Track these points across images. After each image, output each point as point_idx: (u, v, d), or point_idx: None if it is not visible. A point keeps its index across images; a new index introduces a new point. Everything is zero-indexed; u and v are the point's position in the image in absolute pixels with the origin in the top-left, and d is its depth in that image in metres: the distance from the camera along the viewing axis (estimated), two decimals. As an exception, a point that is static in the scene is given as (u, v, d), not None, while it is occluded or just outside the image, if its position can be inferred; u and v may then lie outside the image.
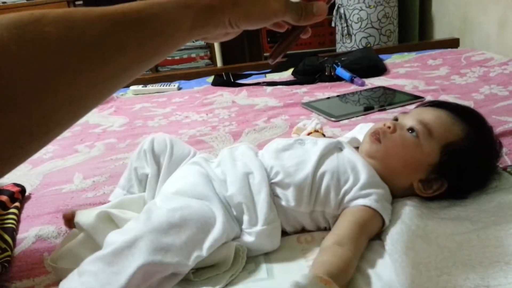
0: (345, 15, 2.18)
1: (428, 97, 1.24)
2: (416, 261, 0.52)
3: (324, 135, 0.94)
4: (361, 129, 0.91)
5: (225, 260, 0.57)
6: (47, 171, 1.04)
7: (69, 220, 0.67)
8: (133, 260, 0.50)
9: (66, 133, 1.32)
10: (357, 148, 0.73)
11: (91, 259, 0.52)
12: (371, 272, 0.55)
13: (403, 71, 1.57)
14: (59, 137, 1.34)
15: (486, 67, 1.45)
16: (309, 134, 0.93)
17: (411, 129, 0.67)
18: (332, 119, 1.15)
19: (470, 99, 1.19)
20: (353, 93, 1.38)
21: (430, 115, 0.69)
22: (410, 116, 0.70)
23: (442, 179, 0.65)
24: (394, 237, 0.58)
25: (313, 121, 0.99)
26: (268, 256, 0.61)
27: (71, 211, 0.69)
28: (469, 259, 0.51)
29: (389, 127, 0.68)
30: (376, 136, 0.69)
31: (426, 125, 0.66)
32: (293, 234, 0.65)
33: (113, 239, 0.53)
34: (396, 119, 0.72)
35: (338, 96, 1.36)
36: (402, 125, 0.69)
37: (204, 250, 0.55)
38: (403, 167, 0.66)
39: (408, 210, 0.62)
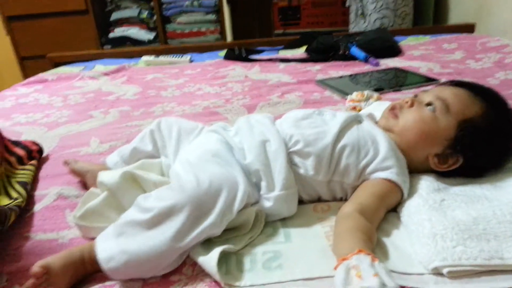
0: (360, -5, 2.15)
1: (443, 80, 1.24)
2: (432, 232, 0.53)
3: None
4: (378, 106, 0.91)
5: (245, 224, 0.59)
6: (63, 134, 1.05)
7: (72, 170, 0.76)
8: (172, 226, 0.52)
9: (80, 99, 1.33)
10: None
11: (129, 222, 0.54)
12: (387, 241, 0.57)
13: (418, 53, 1.56)
14: (72, 102, 1.38)
15: (501, 53, 1.44)
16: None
17: (429, 104, 0.68)
18: (346, 97, 1.15)
19: (485, 83, 1.18)
20: (364, 74, 1.38)
21: (449, 92, 0.69)
22: (429, 93, 0.71)
23: (458, 155, 0.66)
24: (411, 209, 0.60)
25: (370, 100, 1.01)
26: (285, 221, 0.63)
27: (73, 160, 0.78)
28: (484, 233, 0.53)
29: (406, 102, 0.71)
30: (394, 111, 0.71)
31: (444, 100, 0.67)
32: (309, 203, 0.67)
33: (150, 204, 0.54)
34: (415, 97, 0.73)
35: (350, 75, 1.36)
36: (421, 101, 0.70)
37: (234, 212, 0.57)
38: (419, 141, 0.67)
39: (425, 185, 0.64)
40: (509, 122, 0.68)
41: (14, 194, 0.72)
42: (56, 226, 0.66)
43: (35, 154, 0.90)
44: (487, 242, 0.52)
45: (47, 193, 0.76)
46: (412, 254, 0.54)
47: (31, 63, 2.66)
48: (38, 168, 0.87)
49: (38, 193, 0.77)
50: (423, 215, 0.57)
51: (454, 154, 0.66)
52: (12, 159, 0.85)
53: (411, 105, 0.70)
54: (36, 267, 0.51)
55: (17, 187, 0.75)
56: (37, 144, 0.92)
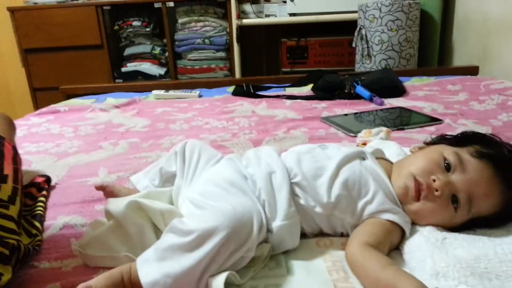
0: (366, 36, 2.21)
1: (447, 120, 1.26)
2: (434, 269, 0.53)
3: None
4: (378, 145, 0.92)
5: (257, 258, 0.60)
6: (72, 164, 1.07)
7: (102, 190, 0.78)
8: (214, 246, 0.53)
9: (91, 130, 1.36)
10: (379, 158, 0.74)
11: (170, 247, 0.54)
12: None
13: (422, 93, 1.59)
14: (83, 133, 1.40)
15: (505, 95, 1.47)
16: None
17: (456, 199, 0.63)
18: (351, 134, 1.17)
19: (488, 124, 1.20)
20: (368, 112, 1.41)
21: (483, 191, 0.63)
22: (465, 180, 0.63)
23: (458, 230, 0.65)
24: (412, 247, 0.60)
25: (380, 136, 1.02)
26: (288, 254, 0.63)
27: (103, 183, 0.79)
28: (486, 271, 0.53)
29: (436, 190, 0.63)
30: (421, 192, 0.64)
31: (472, 201, 0.63)
32: (312, 238, 0.67)
33: (190, 227, 0.54)
34: (446, 162, 0.65)
35: (355, 113, 1.39)
36: (452, 190, 0.63)
37: (261, 239, 0.60)
38: (424, 222, 0.66)
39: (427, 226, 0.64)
40: None
41: (33, 231, 0.73)
42: (60, 255, 0.67)
43: (43, 185, 0.92)
44: (489, 281, 0.52)
45: (54, 223, 0.77)
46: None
47: (44, 94, 2.73)
48: (47, 197, 0.88)
49: (46, 222, 0.78)
50: (425, 251, 0.57)
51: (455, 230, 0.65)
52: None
53: (440, 196, 0.63)
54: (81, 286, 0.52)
55: (35, 222, 0.76)
56: (43, 176, 0.94)
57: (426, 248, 0.58)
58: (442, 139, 0.76)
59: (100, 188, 0.80)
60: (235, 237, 0.54)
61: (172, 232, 0.56)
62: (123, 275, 0.55)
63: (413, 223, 0.67)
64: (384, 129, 1.04)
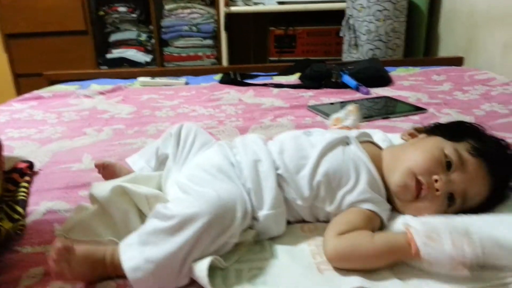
0: (354, 26, 2.22)
1: (431, 110, 1.27)
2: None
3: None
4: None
5: (242, 244, 0.60)
6: (56, 150, 1.06)
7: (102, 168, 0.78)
8: (195, 231, 0.53)
9: (75, 116, 1.35)
10: (365, 142, 0.74)
11: (152, 231, 0.54)
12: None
13: (408, 83, 1.60)
14: (67, 119, 1.38)
15: (488, 86, 1.49)
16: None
17: (451, 198, 0.64)
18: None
19: (471, 114, 1.22)
20: (355, 101, 1.41)
21: (476, 191, 0.64)
22: (463, 180, 0.64)
23: None
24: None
25: (351, 117, 0.95)
26: (272, 239, 0.64)
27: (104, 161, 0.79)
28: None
29: (437, 190, 0.63)
30: (421, 191, 0.64)
31: (465, 200, 0.64)
32: (297, 223, 0.68)
33: (173, 212, 0.55)
34: (447, 159, 0.65)
35: (341, 102, 1.39)
36: (450, 189, 0.64)
37: (245, 226, 0.60)
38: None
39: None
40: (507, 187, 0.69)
41: (15, 216, 0.72)
42: (44, 240, 0.66)
43: (26, 171, 0.90)
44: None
45: (37, 208, 0.76)
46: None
47: (27, 80, 2.67)
48: (30, 182, 0.87)
49: (30, 208, 0.77)
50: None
51: None
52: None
53: (439, 196, 0.63)
54: (59, 243, 0.53)
55: (17, 208, 0.75)
56: (25, 161, 0.93)
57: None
58: (436, 129, 0.75)
59: (99, 165, 0.80)
60: (217, 223, 0.54)
61: (155, 216, 0.56)
62: (106, 256, 0.55)
63: (396, 210, 0.67)
64: (351, 107, 0.95)
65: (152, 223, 0.56)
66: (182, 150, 0.76)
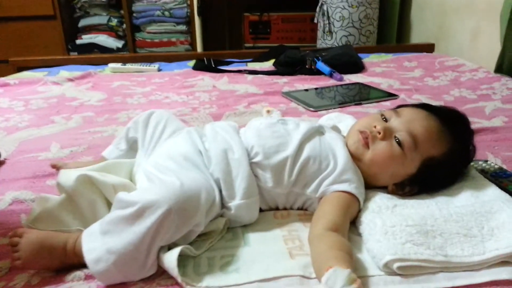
0: (328, 12, 2.22)
1: (402, 96, 1.29)
2: (383, 229, 0.56)
3: None
4: (336, 118, 0.94)
5: (212, 232, 0.60)
6: (23, 139, 1.02)
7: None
8: (155, 220, 0.51)
9: (42, 104, 1.30)
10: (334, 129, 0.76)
11: (113, 219, 0.53)
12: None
13: (380, 70, 1.62)
14: (34, 107, 1.34)
15: (457, 72, 1.52)
16: None
17: (398, 140, 0.67)
18: (311, 109, 1.18)
19: (441, 100, 1.25)
20: (329, 88, 1.42)
21: (420, 126, 0.68)
22: (401, 122, 0.69)
23: (415, 185, 0.68)
24: (364, 212, 0.63)
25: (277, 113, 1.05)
26: (245, 227, 0.64)
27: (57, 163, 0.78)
28: (431, 230, 0.56)
29: (379, 133, 0.68)
30: (365, 139, 0.69)
31: (414, 137, 0.66)
32: (270, 211, 0.68)
33: (133, 198, 0.53)
34: (383, 116, 0.71)
35: (316, 89, 1.40)
36: (391, 130, 0.68)
37: (212, 215, 0.60)
38: (384, 174, 0.68)
39: (379, 194, 0.67)
40: (469, 152, 0.71)
41: None
42: (10, 231, 0.63)
43: (-10, 159, 0.87)
44: (433, 239, 0.55)
45: (2, 198, 0.74)
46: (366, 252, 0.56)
47: (-8, 67, 2.57)
48: (-6, 172, 0.84)
49: (-6, 198, 0.75)
50: (374, 214, 0.60)
51: (412, 184, 0.68)
52: None
53: (383, 138, 0.68)
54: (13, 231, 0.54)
55: None
56: (-8, 149, 0.89)
57: (376, 212, 0.61)
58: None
59: (54, 167, 0.79)
60: (179, 211, 0.52)
61: (116, 203, 0.55)
62: (67, 244, 0.54)
63: (370, 187, 0.69)
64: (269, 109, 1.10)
65: (113, 212, 0.55)
66: (151, 137, 0.74)
